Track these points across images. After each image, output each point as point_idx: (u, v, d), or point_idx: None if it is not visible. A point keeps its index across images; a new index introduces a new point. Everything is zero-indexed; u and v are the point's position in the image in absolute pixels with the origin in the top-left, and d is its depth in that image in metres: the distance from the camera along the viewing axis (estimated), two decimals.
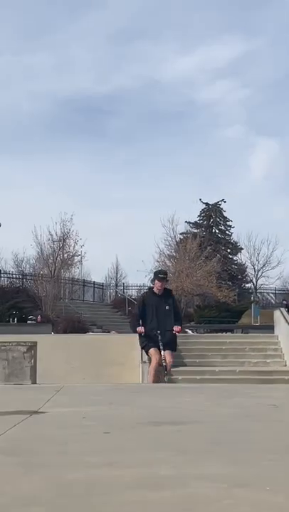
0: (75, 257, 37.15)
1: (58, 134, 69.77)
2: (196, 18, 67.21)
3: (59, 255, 36.01)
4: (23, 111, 66.97)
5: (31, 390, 8.44)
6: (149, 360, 10.17)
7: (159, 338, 9.91)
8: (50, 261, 35.70)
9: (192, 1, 66.59)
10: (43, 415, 5.60)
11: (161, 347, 9.95)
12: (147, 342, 10.11)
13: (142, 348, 10.67)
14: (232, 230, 54.95)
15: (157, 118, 69.76)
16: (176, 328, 9.99)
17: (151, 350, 10.10)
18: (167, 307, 10.02)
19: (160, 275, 10.35)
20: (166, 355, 10.08)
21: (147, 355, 10.19)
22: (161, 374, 10.20)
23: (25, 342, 10.81)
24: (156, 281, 10.17)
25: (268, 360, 15.04)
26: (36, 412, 5.70)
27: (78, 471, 3.21)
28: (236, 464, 3.35)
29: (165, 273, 10.64)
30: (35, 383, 10.28)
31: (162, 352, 10.02)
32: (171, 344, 10.34)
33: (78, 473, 3.16)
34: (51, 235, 35.88)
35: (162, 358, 10.01)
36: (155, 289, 10.14)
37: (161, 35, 67.87)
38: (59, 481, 3.01)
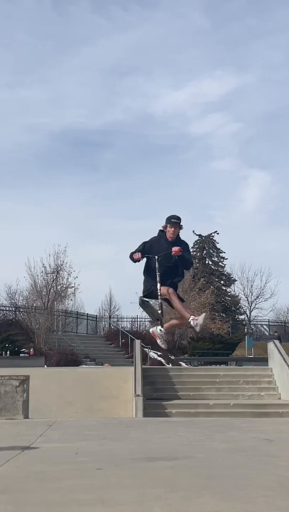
0: (69, 289, 37.09)
1: (51, 167, 70.45)
2: (188, 53, 68.52)
3: (52, 287, 35.96)
4: (17, 144, 67.56)
5: (23, 424, 8.34)
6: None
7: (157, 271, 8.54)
8: (44, 293, 35.61)
9: (184, 38, 67.95)
10: (36, 451, 5.54)
11: (158, 278, 8.57)
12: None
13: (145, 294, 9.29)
14: (225, 261, 55.18)
15: (150, 151, 70.57)
16: (174, 247, 8.55)
17: None
18: (177, 257, 8.64)
19: (172, 219, 8.77)
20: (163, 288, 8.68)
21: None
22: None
23: (17, 376, 10.72)
24: (168, 228, 8.75)
25: (262, 393, 14.98)
26: (28, 448, 5.64)
27: (71, 508, 3.17)
28: (230, 500, 3.32)
29: (178, 217, 8.86)
30: (28, 418, 10.18)
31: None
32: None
33: (71, 511, 3.12)
34: (45, 267, 35.92)
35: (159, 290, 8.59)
36: (167, 237, 8.79)
37: (154, 70, 69.10)
38: None
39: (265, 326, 49.92)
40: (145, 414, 12.67)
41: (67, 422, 8.84)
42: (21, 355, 27.45)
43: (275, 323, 49.86)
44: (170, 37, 68.71)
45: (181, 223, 8.90)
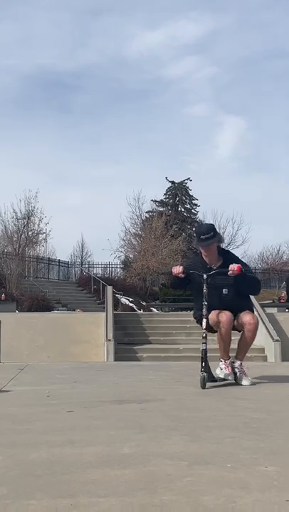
0: (40, 235, 36.87)
1: (21, 110, 68.85)
2: None
3: (24, 233, 35.69)
4: None
5: None
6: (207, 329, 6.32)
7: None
8: (15, 239, 35.36)
9: None
10: (7, 394, 5.59)
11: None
12: (198, 308, 6.36)
13: (196, 320, 6.66)
14: (198, 208, 55.21)
15: (123, 94, 69.28)
16: (233, 265, 5.97)
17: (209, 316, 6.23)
18: (225, 291, 6.14)
19: (202, 237, 6.09)
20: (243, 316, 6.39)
21: (201, 326, 6.36)
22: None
23: None
24: (201, 249, 6.26)
25: (233, 338, 15.28)
26: (0, 391, 5.69)
27: (41, 449, 3.22)
28: (198, 441, 3.41)
29: (209, 229, 6.19)
30: (0, 361, 10.24)
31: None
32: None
33: (41, 452, 3.17)
34: (15, 213, 35.54)
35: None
36: (205, 261, 6.24)
37: (128, 11, 67.14)
38: (22, 460, 3.02)
39: None
40: (116, 359, 12.87)
41: (39, 366, 8.92)
42: None
43: None
44: None
45: (217, 234, 6.22)
